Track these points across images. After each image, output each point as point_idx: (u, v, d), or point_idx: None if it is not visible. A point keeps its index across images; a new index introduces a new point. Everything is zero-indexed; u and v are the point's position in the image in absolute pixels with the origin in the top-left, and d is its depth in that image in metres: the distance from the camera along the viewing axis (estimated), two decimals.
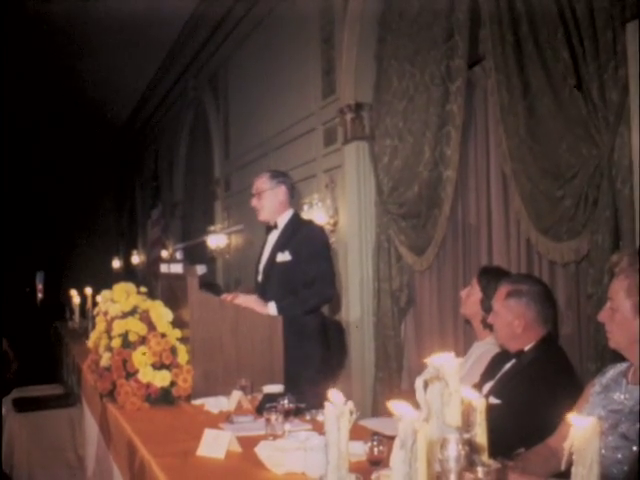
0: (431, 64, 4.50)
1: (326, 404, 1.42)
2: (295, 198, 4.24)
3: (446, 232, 4.60)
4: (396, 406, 1.20)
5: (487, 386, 2.75)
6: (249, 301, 3.58)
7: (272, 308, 3.59)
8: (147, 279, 10.88)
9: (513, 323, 2.76)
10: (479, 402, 1.35)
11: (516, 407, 2.40)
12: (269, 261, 3.84)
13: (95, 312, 3.58)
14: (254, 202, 3.93)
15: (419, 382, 1.21)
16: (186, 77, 10.43)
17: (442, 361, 1.19)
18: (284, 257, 3.77)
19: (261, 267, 3.90)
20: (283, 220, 3.91)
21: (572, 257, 3.43)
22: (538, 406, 2.48)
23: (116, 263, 16.33)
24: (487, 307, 3.05)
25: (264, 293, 3.77)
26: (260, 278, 3.90)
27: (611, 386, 2.13)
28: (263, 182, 3.91)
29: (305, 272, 3.72)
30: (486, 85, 4.24)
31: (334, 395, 1.43)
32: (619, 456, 1.87)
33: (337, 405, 1.38)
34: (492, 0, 3.85)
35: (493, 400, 2.53)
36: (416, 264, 4.90)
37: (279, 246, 3.81)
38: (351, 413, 1.40)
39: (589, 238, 3.26)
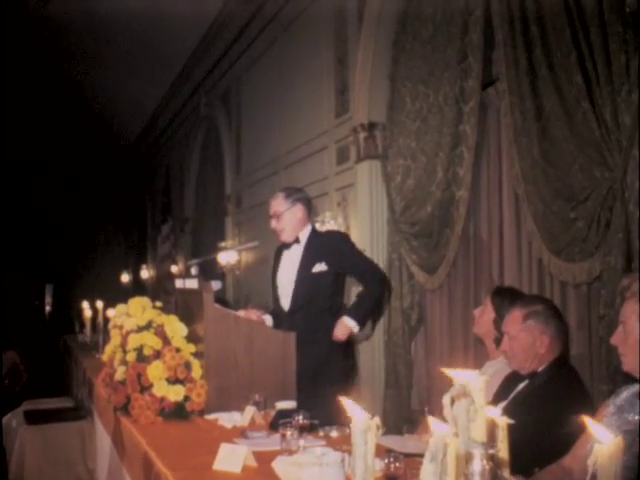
0: (445, 85, 4.55)
1: (353, 418, 1.45)
2: (313, 210, 4.31)
3: (458, 252, 4.62)
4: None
5: (500, 406, 2.76)
6: (342, 328, 3.77)
7: (350, 323, 3.79)
8: (156, 294, 10.93)
9: (535, 344, 2.77)
10: (502, 419, 1.37)
11: (530, 427, 2.40)
12: (302, 272, 3.87)
13: (110, 326, 3.61)
14: (274, 224, 3.95)
15: (446, 398, 1.24)
16: (199, 93, 10.52)
17: (468, 378, 1.22)
18: (321, 267, 3.85)
19: (286, 280, 3.93)
20: (304, 235, 3.95)
21: (584, 278, 3.45)
22: (552, 426, 2.49)
23: (125, 277, 16.39)
24: (500, 327, 3.07)
25: (293, 304, 3.84)
26: (285, 291, 3.93)
27: (625, 407, 2.14)
28: (279, 204, 3.93)
29: (353, 274, 3.92)
30: (499, 106, 4.29)
31: (358, 411, 1.46)
32: (633, 476, 1.88)
33: (364, 419, 1.41)
34: (506, 23, 3.90)
35: (507, 420, 2.55)
36: (427, 283, 4.92)
37: (311, 258, 3.86)
38: (377, 428, 1.43)
39: (601, 260, 3.28)
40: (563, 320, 2.92)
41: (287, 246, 3.97)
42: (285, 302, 3.93)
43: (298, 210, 3.92)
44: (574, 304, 3.77)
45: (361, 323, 3.77)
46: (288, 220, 3.91)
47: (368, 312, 3.91)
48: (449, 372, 1.33)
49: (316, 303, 3.81)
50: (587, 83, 3.30)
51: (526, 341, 2.79)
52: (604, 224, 3.24)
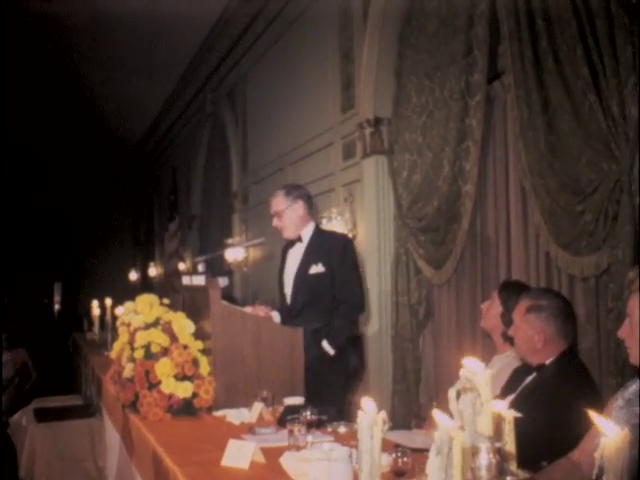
0: (450, 79, 4.54)
1: (359, 413, 1.45)
2: (314, 208, 4.28)
3: (465, 246, 4.62)
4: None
5: (508, 399, 2.75)
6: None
7: (328, 348, 3.75)
8: (164, 291, 10.93)
9: (533, 338, 2.77)
10: (508, 413, 1.37)
11: (538, 421, 2.40)
12: (299, 274, 3.88)
13: (118, 323, 3.62)
14: (275, 222, 3.96)
15: (452, 392, 1.24)
16: (204, 91, 10.53)
17: (474, 371, 1.22)
18: (317, 269, 3.81)
19: (291, 279, 3.93)
20: (307, 233, 3.94)
21: (592, 271, 3.43)
22: (560, 420, 2.48)
23: (133, 275, 16.43)
24: (507, 321, 3.06)
25: (294, 304, 3.84)
26: (290, 290, 3.94)
27: (633, 400, 2.13)
28: (279, 202, 3.94)
29: (337, 283, 3.81)
30: (505, 100, 4.27)
31: (367, 405, 1.46)
32: None
33: (370, 414, 1.41)
34: (512, 16, 3.88)
35: (514, 414, 2.54)
36: (435, 278, 4.92)
37: (310, 258, 3.85)
38: (384, 422, 1.43)
39: (609, 253, 3.26)
40: (570, 318, 2.84)
41: (292, 244, 3.98)
42: (289, 301, 3.95)
43: (299, 207, 3.92)
44: (582, 297, 3.76)
45: (337, 348, 3.76)
46: (289, 218, 3.91)
47: (345, 336, 3.84)
48: (464, 362, 1.32)
49: (318, 304, 3.80)
50: (593, 76, 3.29)
51: (526, 333, 2.79)
52: (611, 217, 3.23)
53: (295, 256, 3.94)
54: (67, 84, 10.70)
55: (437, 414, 1.20)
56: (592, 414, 1.23)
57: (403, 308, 5.19)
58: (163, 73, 10.59)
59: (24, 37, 8.82)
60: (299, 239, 3.94)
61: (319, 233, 3.99)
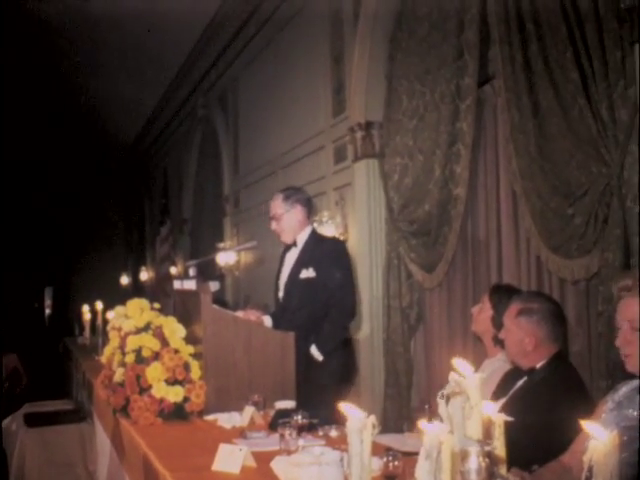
0: (441, 83, 4.55)
1: (349, 417, 1.44)
2: (313, 209, 4.27)
3: (456, 250, 4.62)
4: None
5: (499, 403, 2.75)
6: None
7: (316, 354, 3.74)
8: (156, 295, 10.92)
9: (524, 341, 2.77)
10: (498, 416, 1.37)
11: (529, 425, 2.40)
12: (291, 278, 3.87)
13: (109, 328, 3.60)
14: (274, 226, 3.95)
15: (441, 396, 1.24)
16: (196, 95, 10.52)
17: (463, 371, 1.22)
18: (308, 274, 3.81)
19: (282, 284, 3.93)
20: (302, 237, 3.93)
21: (582, 275, 3.45)
22: (551, 423, 2.48)
23: (124, 279, 16.38)
24: (498, 324, 3.06)
25: (285, 309, 3.83)
26: (281, 294, 3.94)
27: (624, 403, 2.13)
28: (278, 206, 3.92)
29: (328, 290, 3.79)
30: (496, 104, 4.29)
31: (351, 410, 1.46)
32: (633, 472, 1.87)
33: (360, 418, 1.41)
34: (502, 20, 3.90)
35: (505, 418, 2.53)
36: (426, 281, 4.92)
37: (302, 263, 3.84)
38: (373, 427, 1.42)
39: (599, 256, 3.28)
40: (561, 321, 2.84)
41: (289, 248, 3.98)
42: (282, 305, 3.95)
43: (297, 212, 3.91)
44: (572, 300, 3.77)
45: (326, 354, 3.75)
46: (287, 222, 3.90)
47: (334, 342, 3.83)
48: (456, 363, 1.32)
49: (309, 309, 3.79)
50: (583, 79, 3.30)
51: (516, 336, 2.79)
52: (602, 220, 3.24)
53: (290, 260, 3.94)
54: (58, 87, 10.67)
55: (422, 423, 1.20)
56: (585, 420, 1.23)
57: (394, 312, 5.19)
58: (154, 76, 10.57)
59: (17, 40, 8.79)
60: (294, 243, 3.94)
61: (314, 238, 3.97)
